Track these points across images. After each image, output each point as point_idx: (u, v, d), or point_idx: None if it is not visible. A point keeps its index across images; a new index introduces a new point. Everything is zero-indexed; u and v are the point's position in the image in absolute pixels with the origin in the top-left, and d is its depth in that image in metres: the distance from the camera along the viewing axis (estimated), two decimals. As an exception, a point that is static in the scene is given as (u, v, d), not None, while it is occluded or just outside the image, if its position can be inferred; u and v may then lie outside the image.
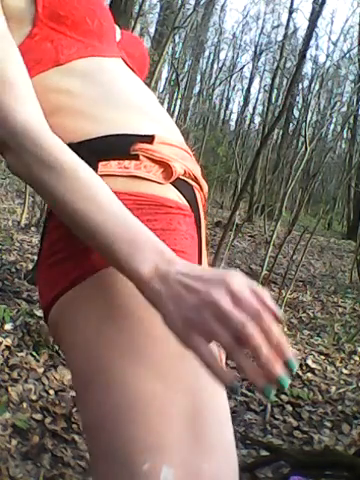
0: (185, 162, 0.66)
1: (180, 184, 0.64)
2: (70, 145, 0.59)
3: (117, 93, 0.65)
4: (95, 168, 0.59)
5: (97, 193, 0.53)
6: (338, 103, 12.03)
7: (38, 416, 1.82)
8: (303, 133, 4.00)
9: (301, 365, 2.79)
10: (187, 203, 0.64)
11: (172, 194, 0.62)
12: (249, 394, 2.33)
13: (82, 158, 0.59)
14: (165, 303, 0.48)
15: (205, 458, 0.50)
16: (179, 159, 0.64)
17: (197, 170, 0.68)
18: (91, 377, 0.54)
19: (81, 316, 0.56)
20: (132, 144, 0.61)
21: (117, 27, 0.77)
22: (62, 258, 0.58)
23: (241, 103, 19.02)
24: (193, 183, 0.67)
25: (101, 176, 0.58)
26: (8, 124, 0.54)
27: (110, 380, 0.52)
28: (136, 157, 0.61)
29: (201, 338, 0.46)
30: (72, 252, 0.58)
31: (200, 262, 0.66)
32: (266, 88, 16.64)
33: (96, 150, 0.60)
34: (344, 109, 11.74)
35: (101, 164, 0.59)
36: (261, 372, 0.43)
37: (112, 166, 0.60)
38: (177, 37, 11.01)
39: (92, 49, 0.66)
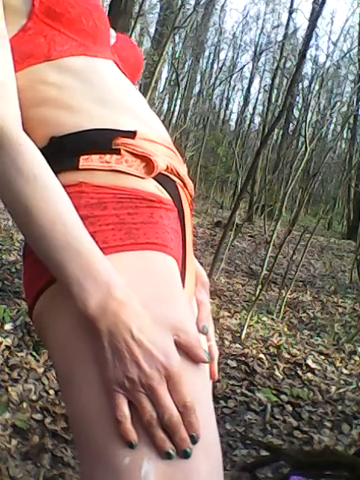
0: (169, 159, 0.65)
1: (162, 179, 0.64)
2: (52, 139, 0.60)
3: (105, 91, 0.65)
4: (77, 162, 0.59)
5: (65, 209, 0.54)
6: (338, 103, 12.03)
7: (38, 416, 1.82)
8: (303, 133, 4.00)
9: (301, 365, 2.79)
10: (170, 198, 0.64)
11: (154, 188, 0.62)
12: (249, 394, 2.33)
13: (64, 152, 0.59)
14: (105, 347, 0.50)
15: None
16: (162, 155, 0.64)
17: (182, 169, 0.68)
18: (71, 375, 0.54)
19: (61, 312, 0.55)
20: (114, 139, 0.61)
21: (113, 31, 0.77)
22: None
23: (241, 103, 19.04)
24: (176, 179, 0.67)
25: (82, 170, 0.59)
26: None
27: (89, 376, 0.52)
28: (118, 152, 0.61)
29: (123, 401, 0.50)
30: None
31: (184, 257, 0.66)
32: (266, 88, 16.63)
33: (78, 144, 0.60)
34: (344, 109, 11.73)
35: (82, 158, 0.59)
36: (167, 442, 0.49)
37: (93, 160, 0.60)
38: (177, 37, 10.99)
39: (84, 48, 0.67)
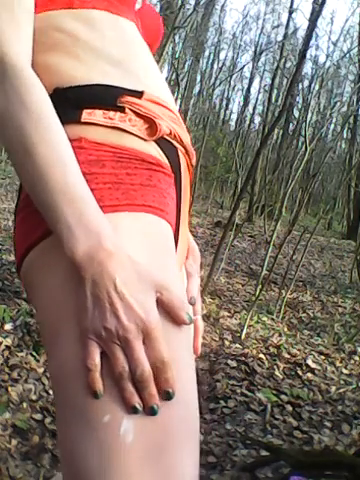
0: (173, 124, 0.64)
1: (163, 143, 0.63)
2: (57, 89, 0.59)
3: (119, 49, 0.64)
4: (79, 115, 0.58)
5: (65, 153, 0.53)
6: (338, 103, 12.03)
7: (38, 416, 1.82)
8: (303, 133, 4.00)
9: (301, 365, 2.79)
10: (168, 163, 0.63)
11: (154, 151, 0.61)
12: (249, 394, 2.33)
13: (67, 104, 0.58)
14: (87, 296, 0.50)
15: (168, 408, 0.50)
16: (167, 119, 0.63)
17: (186, 136, 0.67)
18: (56, 332, 0.53)
19: (51, 268, 0.55)
20: (120, 96, 0.60)
21: None
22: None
23: (241, 103, 19.05)
24: (178, 145, 0.66)
25: (84, 124, 0.58)
26: (5, 55, 0.55)
27: (75, 333, 0.51)
28: (122, 110, 0.60)
29: (96, 351, 0.49)
30: None
31: (177, 226, 0.65)
32: (266, 88, 16.64)
33: (82, 97, 0.59)
34: (344, 109, 11.73)
35: (86, 111, 0.58)
36: (135, 396, 0.49)
37: (96, 115, 0.58)
38: (177, 37, 10.99)
39: (108, 4, 0.66)
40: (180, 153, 0.66)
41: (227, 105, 20.85)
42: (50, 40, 0.62)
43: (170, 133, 0.63)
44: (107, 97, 0.59)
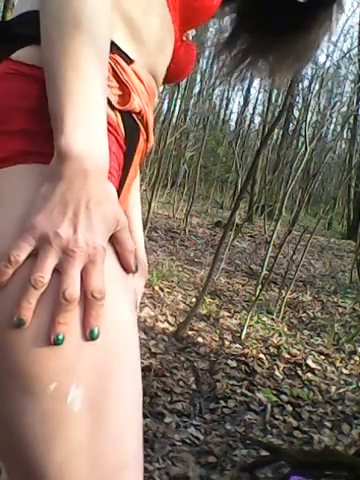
0: (146, 107, 0.61)
1: (127, 119, 0.58)
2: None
3: (143, 17, 0.60)
4: None
5: (107, 52, 0.50)
6: (338, 103, 12.03)
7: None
8: (303, 133, 4.00)
9: (301, 365, 2.79)
10: (124, 135, 0.58)
11: (114, 117, 0.56)
12: (249, 394, 2.33)
13: None
14: (54, 194, 0.46)
15: (114, 379, 0.48)
16: (143, 99, 0.59)
17: (151, 125, 0.64)
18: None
19: (8, 199, 0.49)
20: (110, 51, 0.55)
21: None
22: None
23: (241, 103, 19.07)
24: (142, 129, 0.61)
25: None
26: None
27: (19, 280, 0.46)
28: None
29: (29, 248, 0.45)
30: None
31: None
32: (266, 88, 16.64)
33: None
34: (344, 109, 11.73)
35: None
36: (27, 311, 0.44)
37: None
38: (177, 37, 10.99)
39: None
40: (141, 136, 0.62)
41: (227, 105, 20.91)
42: None
43: (139, 112, 0.60)
44: None
